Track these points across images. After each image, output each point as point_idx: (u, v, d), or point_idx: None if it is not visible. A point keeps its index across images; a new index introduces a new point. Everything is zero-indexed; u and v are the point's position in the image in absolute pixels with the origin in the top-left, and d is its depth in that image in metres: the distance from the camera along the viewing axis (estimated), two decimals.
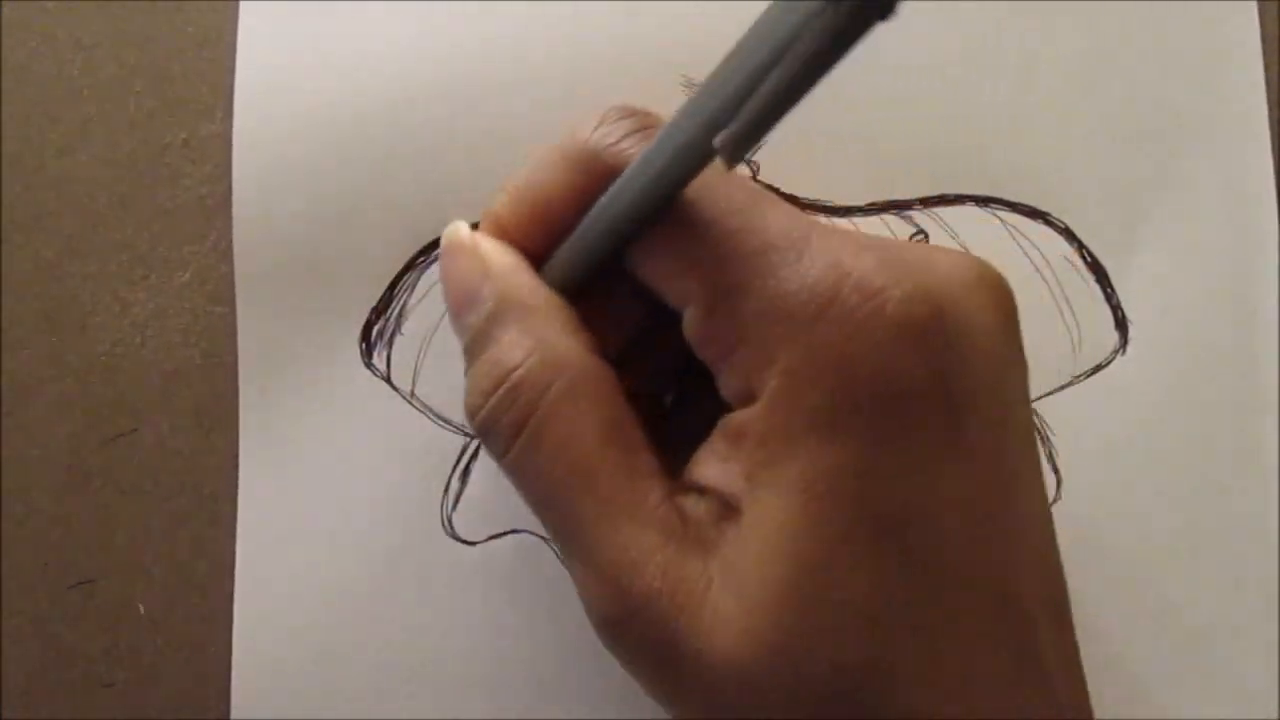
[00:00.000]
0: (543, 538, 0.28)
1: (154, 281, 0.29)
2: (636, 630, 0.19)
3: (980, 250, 0.23)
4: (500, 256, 0.22)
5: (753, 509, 0.19)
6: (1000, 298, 0.20)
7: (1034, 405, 0.27)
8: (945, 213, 0.28)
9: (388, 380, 0.28)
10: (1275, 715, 0.26)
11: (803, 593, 0.18)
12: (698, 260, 0.20)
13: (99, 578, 0.28)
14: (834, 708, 0.18)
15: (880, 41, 0.27)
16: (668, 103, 0.28)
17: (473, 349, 0.22)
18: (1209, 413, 0.28)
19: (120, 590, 0.28)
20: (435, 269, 0.28)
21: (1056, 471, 0.27)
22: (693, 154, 0.18)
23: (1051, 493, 0.27)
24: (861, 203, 0.28)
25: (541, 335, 0.21)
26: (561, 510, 0.20)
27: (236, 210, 0.28)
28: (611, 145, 0.21)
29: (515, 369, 0.20)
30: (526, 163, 0.23)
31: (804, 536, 0.18)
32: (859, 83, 0.28)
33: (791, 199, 0.28)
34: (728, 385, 0.20)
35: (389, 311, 0.28)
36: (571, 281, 0.22)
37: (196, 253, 0.29)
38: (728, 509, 0.20)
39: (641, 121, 0.22)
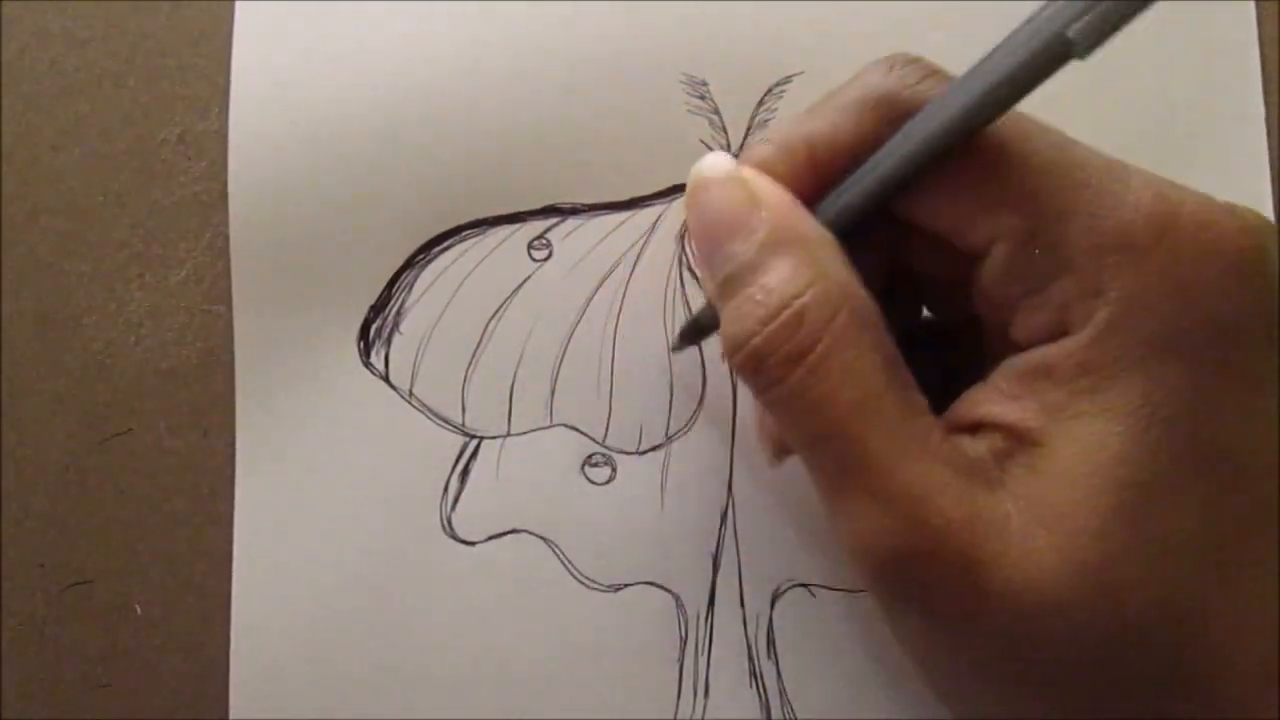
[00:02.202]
0: (542, 538, 0.28)
1: (150, 280, 0.28)
2: (934, 563, 0.19)
3: None
4: (772, 188, 0.21)
5: (1063, 440, 0.19)
6: None
7: None
8: None
9: (386, 379, 0.28)
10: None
11: (1131, 520, 0.18)
12: (1014, 194, 0.20)
13: (96, 578, 0.28)
14: (1147, 639, 0.18)
15: (880, 44, 0.27)
16: (667, 103, 0.28)
17: (740, 277, 0.21)
18: None
19: (117, 591, 0.28)
20: (435, 266, 0.28)
21: None
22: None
23: None
24: None
25: (822, 266, 0.20)
26: (845, 441, 0.19)
27: (233, 207, 0.28)
28: (912, 85, 0.21)
29: (798, 296, 0.20)
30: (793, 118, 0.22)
31: (1135, 463, 0.18)
32: None
33: None
34: (1031, 322, 0.20)
35: (387, 310, 0.28)
36: (841, 227, 0.21)
37: (192, 250, 0.28)
38: (1016, 445, 0.19)
39: (931, 66, 0.21)
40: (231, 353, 0.28)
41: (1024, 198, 0.20)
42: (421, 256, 0.28)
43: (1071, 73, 0.28)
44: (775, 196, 0.21)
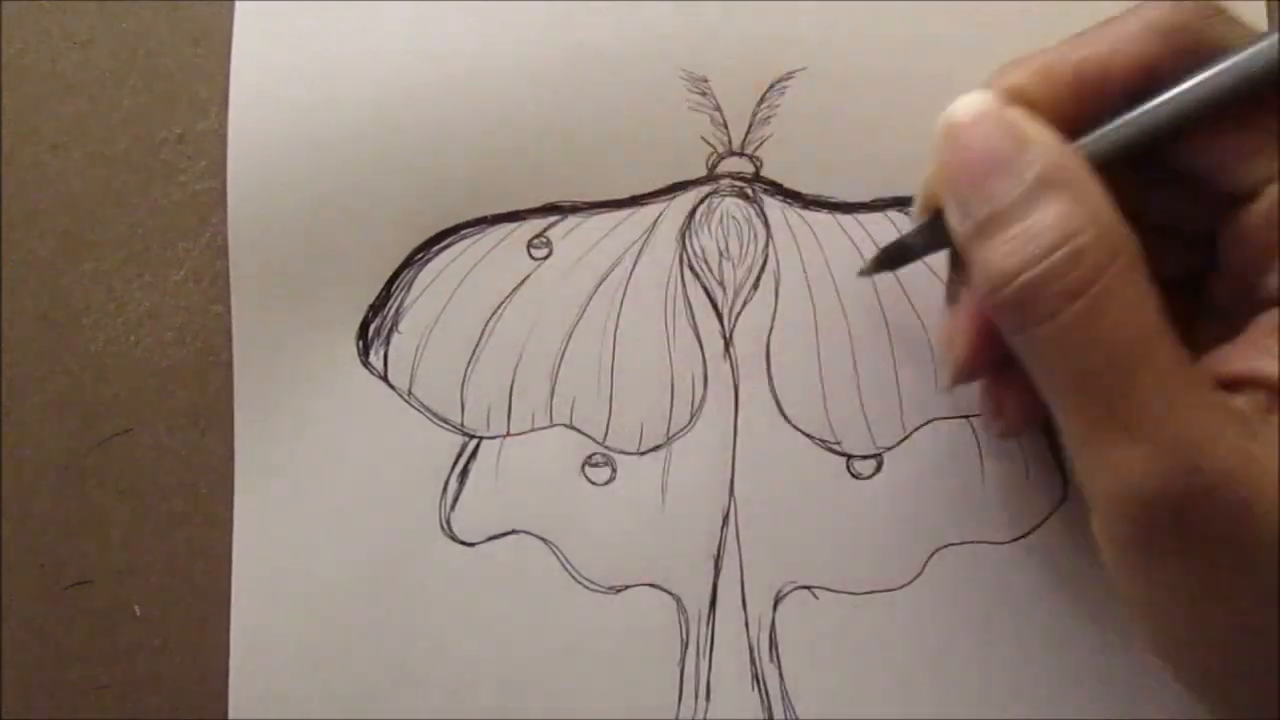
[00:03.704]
0: (541, 538, 0.27)
1: (149, 279, 0.28)
2: (1205, 508, 0.18)
3: None
4: (1039, 128, 0.21)
5: None
6: None
7: None
8: None
9: (385, 379, 0.28)
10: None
11: None
12: None
13: (95, 579, 0.28)
14: None
15: (883, 40, 0.26)
16: (668, 100, 0.28)
17: (1005, 215, 0.20)
18: None
19: (116, 591, 0.28)
20: (434, 265, 0.28)
21: (1064, 472, 0.27)
22: None
23: (1059, 492, 0.27)
24: (866, 200, 0.28)
25: (1097, 209, 0.20)
26: (1119, 378, 0.19)
27: (232, 207, 0.28)
28: (1206, 17, 0.20)
29: (1077, 234, 0.19)
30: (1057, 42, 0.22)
31: None
32: (863, 81, 0.28)
33: (795, 195, 0.28)
34: None
35: (386, 309, 0.28)
36: (1107, 165, 0.21)
37: (192, 250, 0.28)
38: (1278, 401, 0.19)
39: (1216, 5, 0.21)
40: (231, 353, 0.28)
41: None
42: (421, 255, 0.28)
43: None
44: (1043, 135, 0.21)
